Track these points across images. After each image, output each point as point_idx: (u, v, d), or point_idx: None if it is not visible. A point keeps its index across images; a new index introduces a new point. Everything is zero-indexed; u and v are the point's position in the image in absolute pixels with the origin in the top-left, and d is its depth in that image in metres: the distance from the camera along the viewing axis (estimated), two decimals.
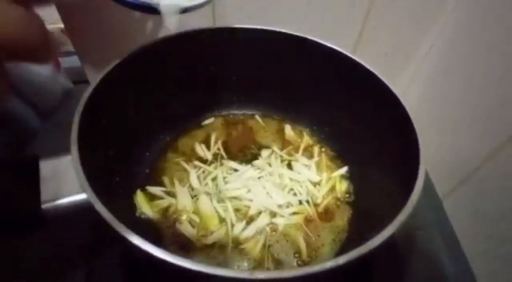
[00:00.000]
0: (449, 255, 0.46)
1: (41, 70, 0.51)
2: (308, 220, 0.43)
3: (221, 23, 0.56)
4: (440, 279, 0.44)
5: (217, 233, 0.41)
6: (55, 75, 0.55)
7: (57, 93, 0.55)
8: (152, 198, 0.43)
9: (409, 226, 0.47)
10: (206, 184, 0.45)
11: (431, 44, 0.59)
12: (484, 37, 0.48)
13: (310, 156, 0.50)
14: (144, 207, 0.42)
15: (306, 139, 0.52)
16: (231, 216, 0.42)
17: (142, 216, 0.41)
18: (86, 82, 0.67)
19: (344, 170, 0.48)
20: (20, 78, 0.47)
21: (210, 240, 0.40)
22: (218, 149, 0.50)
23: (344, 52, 0.43)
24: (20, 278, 0.39)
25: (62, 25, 0.67)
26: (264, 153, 0.50)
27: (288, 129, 0.53)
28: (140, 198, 0.42)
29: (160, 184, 0.45)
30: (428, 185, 0.54)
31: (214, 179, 0.46)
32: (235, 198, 0.44)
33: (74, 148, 0.29)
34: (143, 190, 0.43)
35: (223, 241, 0.40)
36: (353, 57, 0.42)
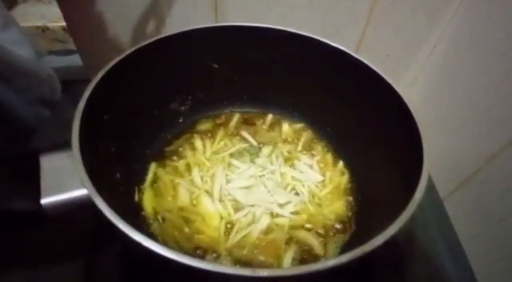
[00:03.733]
0: (450, 255, 0.46)
1: (22, 53, 0.50)
2: (310, 220, 0.42)
3: (223, 21, 0.56)
4: (440, 279, 0.44)
5: (218, 232, 0.40)
6: (38, 58, 0.54)
7: (42, 77, 0.54)
8: (156, 193, 0.43)
9: (410, 226, 0.47)
10: (206, 182, 0.45)
11: (433, 45, 0.59)
12: (487, 38, 0.48)
13: (312, 155, 0.50)
14: (147, 204, 0.42)
15: (308, 138, 0.52)
16: (231, 215, 0.42)
17: (143, 213, 0.41)
18: (87, 80, 0.67)
19: (341, 164, 0.48)
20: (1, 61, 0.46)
21: (209, 239, 0.40)
22: (221, 147, 0.50)
23: (349, 51, 0.43)
24: (19, 272, 0.39)
25: (64, 23, 0.67)
26: (265, 150, 0.49)
27: (287, 128, 0.53)
28: (146, 195, 0.43)
29: (162, 181, 0.45)
30: (429, 185, 0.54)
31: (215, 177, 0.45)
32: (235, 197, 0.43)
33: (76, 143, 0.29)
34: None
35: (223, 239, 0.40)
36: (357, 57, 0.42)
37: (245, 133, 0.51)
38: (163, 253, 0.24)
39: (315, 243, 0.40)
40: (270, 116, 0.54)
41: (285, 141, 0.51)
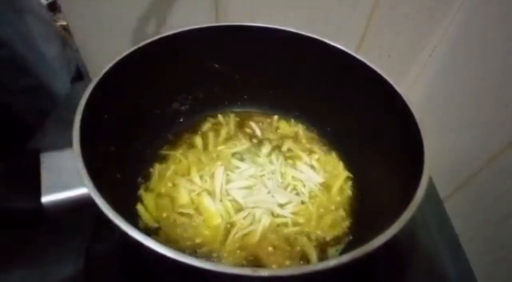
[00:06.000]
0: (450, 256, 0.46)
1: (51, 49, 0.50)
2: (310, 220, 0.42)
3: (224, 21, 0.56)
4: (441, 280, 0.44)
5: (218, 232, 0.40)
6: (63, 52, 0.54)
7: (64, 73, 0.54)
8: (156, 193, 0.43)
9: (410, 226, 0.47)
10: (206, 181, 0.45)
11: (434, 46, 0.59)
12: (487, 40, 0.48)
13: (312, 155, 0.50)
14: (147, 203, 0.42)
15: (308, 138, 0.52)
16: (232, 216, 0.42)
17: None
18: (88, 80, 0.67)
19: (341, 164, 0.48)
20: (28, 57, 0.46)
21: (210, 238, 0.40)
22: (221, 147, 0.50)
23: (350, 51, 0.43)
24: (19, 272, 0.39)
25: (64, 23, 0.68)
26: (265, 150, 0.49)
27: (287, 127, 0.53)
28: (146, 195, 0.43)
29: (162, 181, 0.45)
30: (429, 186, 0.54)
31: (216, 177, 0.45)
32: (235, 198, 0.43)
33: (76, 142, 0.29)
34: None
35: (223, 239, 0.40)
36: (358, 57, 0.42)
37: (252, 124, 0.52)
38: (163, 252, 0.24)
39: (313, 254, 0.39)
40: (270, 116, 0.54)
41: (285, 141, 0.51)
